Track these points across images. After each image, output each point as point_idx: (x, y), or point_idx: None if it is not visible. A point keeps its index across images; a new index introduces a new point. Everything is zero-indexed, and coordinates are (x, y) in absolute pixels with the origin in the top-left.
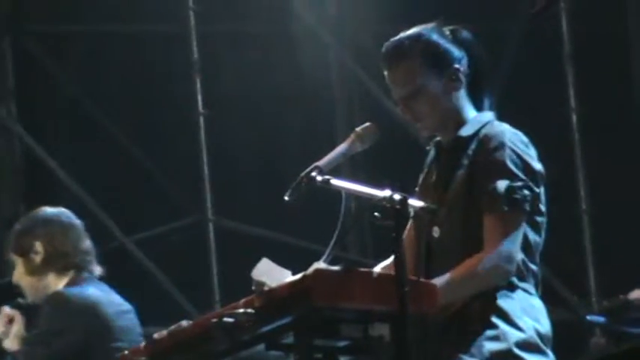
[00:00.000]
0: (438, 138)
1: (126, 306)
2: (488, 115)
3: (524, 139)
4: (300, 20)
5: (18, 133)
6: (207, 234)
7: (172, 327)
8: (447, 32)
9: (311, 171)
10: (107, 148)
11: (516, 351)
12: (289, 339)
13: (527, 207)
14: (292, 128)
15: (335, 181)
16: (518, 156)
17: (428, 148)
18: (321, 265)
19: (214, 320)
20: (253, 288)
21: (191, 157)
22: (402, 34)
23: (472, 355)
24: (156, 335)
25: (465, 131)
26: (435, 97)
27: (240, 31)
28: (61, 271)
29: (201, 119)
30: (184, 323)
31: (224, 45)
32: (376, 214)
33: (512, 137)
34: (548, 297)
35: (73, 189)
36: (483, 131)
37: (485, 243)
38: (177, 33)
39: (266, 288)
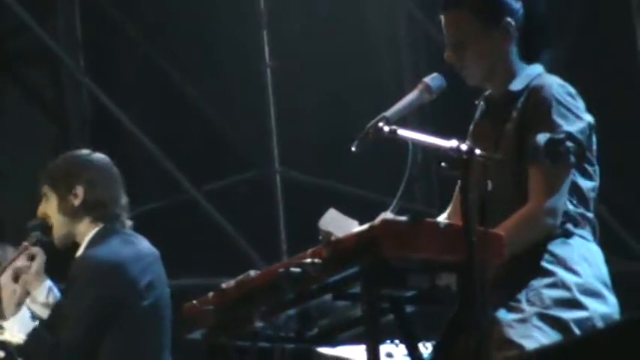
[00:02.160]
0: (488, 92)
1: (152, 255)
2: (537, 68)
3: (572, 90)
4: None
5: (86, 85)
6: (275, 185)
7: (240, 277)
8: None
9: (378, 121)
10: (175, 100)
11: (578, 296)
12: (356, 289)
13: (572, 159)
14: (359, 79)
15: (402, 132)
16: (566, 107)
17: (477, 102)
18: (388, 215)
19: (282, 270)
20: (320, 238)
21: (258, 109)
22: None
23: (532, 304)
24: (224, 285)
25: (515, 85)
26: (483, 49)
27: None
28: (94, 220)
29: (268, 71)
30: (252, 273)
31: None
32: (443, 164)
33: (559, 89)
34: (614, 247)
35: (142, 141)
36: (532, 84)
37: (529, 196)
38: None
39: (333, 238)
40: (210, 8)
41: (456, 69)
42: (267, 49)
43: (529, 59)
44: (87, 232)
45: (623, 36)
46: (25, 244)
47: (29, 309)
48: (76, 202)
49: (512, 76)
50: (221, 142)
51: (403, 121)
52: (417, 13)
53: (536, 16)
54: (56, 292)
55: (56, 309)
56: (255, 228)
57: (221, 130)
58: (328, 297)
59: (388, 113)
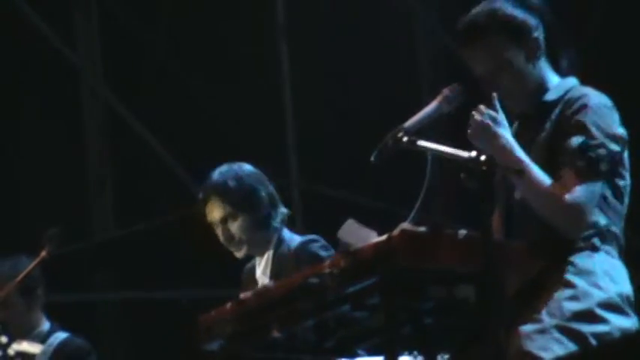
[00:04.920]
0: (522, 109)
1: None
2: (572, 81)
3: (608, 103)
4: None
5: (104, 96)
6: (293, 197)
7: (258, 287)
8: (519, 1)
9: (397, 132)
10: (193, 111)
11: (598, 311)
12: (374, 299)
13: (603, 167)
14: (378, 91)
15: (421, 142)
16: (600, 118)
17: (513, 127)
18: (406, 225)
19: (300, 281)
20: (339, 248)
21: (277, 121)
22: (476, 10)
23: (552, 315)
24: (242, 295)
25: (549, 96)
26: (519, 70)
27: None
28: (282, 222)
29: (287, 82)
30: (270, 284)
31: (310, 8)
32: (462, 175)
33: (596, 100)
34: (635, 261)
35: (159, 152)
36: (568, 95)
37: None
38: None
39: (352, 248)
40: (230, 21)
41: (497, 97)
42: (286, 61)
43: (556, 68)
44: (278, 235)
45: None
46: (43, 253)
47: None
48: (265, 210)
49: (545, 88)
50: (240, 154)
51: (422, 132)
52: (436, 28)
53: (552, 24)
54: None
55: None
56: None
57: (240, 142)
58: (346, 307)
59: (407, 124)
